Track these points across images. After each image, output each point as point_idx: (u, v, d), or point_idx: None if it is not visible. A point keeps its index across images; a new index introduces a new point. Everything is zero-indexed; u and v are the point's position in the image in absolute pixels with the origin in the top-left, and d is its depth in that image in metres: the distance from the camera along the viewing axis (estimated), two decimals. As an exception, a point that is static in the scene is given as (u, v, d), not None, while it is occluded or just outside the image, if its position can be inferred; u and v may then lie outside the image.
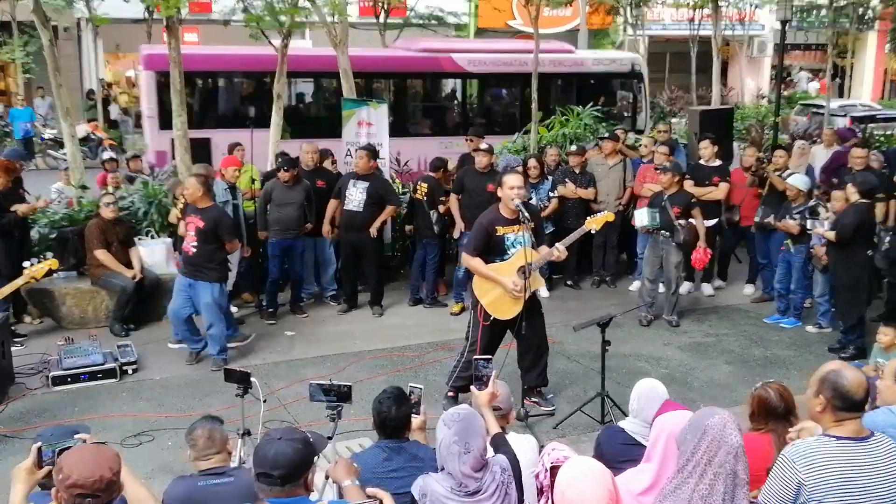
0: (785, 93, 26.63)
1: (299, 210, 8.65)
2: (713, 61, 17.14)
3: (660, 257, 8.72)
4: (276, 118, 11.03)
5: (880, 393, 3.89)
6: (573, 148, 10.28)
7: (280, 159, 9.12)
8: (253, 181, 9.17)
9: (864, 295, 7.98)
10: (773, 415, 3.96)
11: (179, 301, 7.51)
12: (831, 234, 7.71)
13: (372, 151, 9.06)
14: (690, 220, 8.61)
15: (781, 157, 9.49)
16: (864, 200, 7.67)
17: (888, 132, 15.71)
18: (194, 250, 7.36)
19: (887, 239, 8.51)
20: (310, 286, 9.40)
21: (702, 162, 9.66)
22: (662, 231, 8.60)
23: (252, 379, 4.92)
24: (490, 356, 3.88)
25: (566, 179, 9.82)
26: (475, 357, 3.88)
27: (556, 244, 6.31)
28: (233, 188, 8.49)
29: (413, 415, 3.92)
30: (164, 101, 12.96)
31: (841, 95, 31.04)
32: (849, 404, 3.16)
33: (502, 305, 6.27)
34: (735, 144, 11.84)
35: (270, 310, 8.90)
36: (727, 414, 2.98)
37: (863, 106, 23.58)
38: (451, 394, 6.69)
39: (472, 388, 3.87)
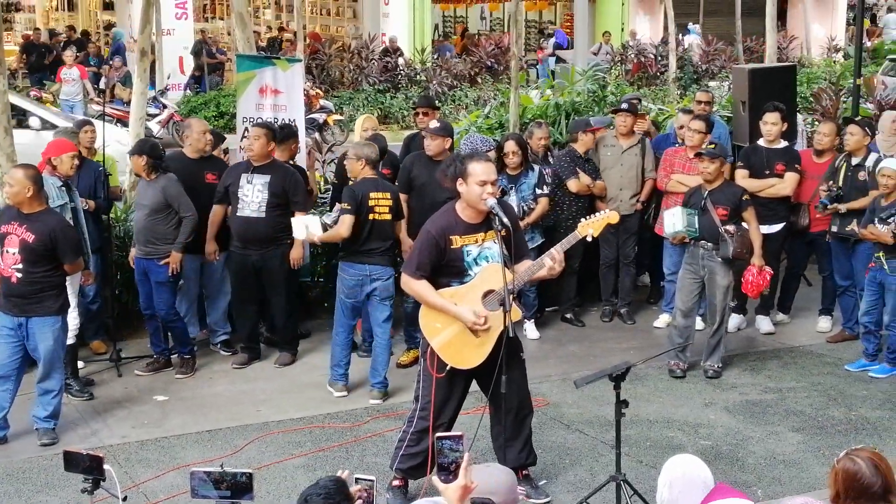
0: (868, 43, 27.21)
1: (153, 217, 8.62)
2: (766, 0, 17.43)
3: (700, 280, 8.81)
4: None
5: None
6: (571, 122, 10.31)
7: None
8: (107, 176, 9.08)
9: None
10: (866, 496, 3.98)
11: (7, 353, 7.43)
12: None
13: (272, 130, 9.07)
14: (742, 224, 8.72)
15: (855, 136, 9.47)
16: None
17: None
18: (19, 276, 7.32)
19: None
20: (191, 329, 9.34)
21: (762, 143, 9.79)
22: (703, 242, 8.69)
23: (106, 466, 4.84)
24: (460, 434, 3.85)
25: (577, 168, 9.91)
26: (438, 436, 3.84)
27: (551, 249, 6.30)
28: (68, 186, 8.41)
29: None
30: None
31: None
32: None
33: (463, 348, 6.27)
34: (799, 118, 12.03)
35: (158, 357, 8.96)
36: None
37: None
38: (397, 482, 6.66)
39: (434, 479, 3.84)
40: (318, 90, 21.12)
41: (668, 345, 8.88)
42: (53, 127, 15.02)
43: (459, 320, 6.22)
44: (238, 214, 8.85)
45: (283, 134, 9.52)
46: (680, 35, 28.29)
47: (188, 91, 23.10)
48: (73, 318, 8.20)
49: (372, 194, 8.29)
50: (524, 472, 6.71)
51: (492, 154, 8.83)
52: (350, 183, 8.62)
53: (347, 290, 8.31)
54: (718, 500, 3.46)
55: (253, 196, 8.79)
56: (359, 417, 8.04)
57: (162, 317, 8.79)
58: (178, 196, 8.60)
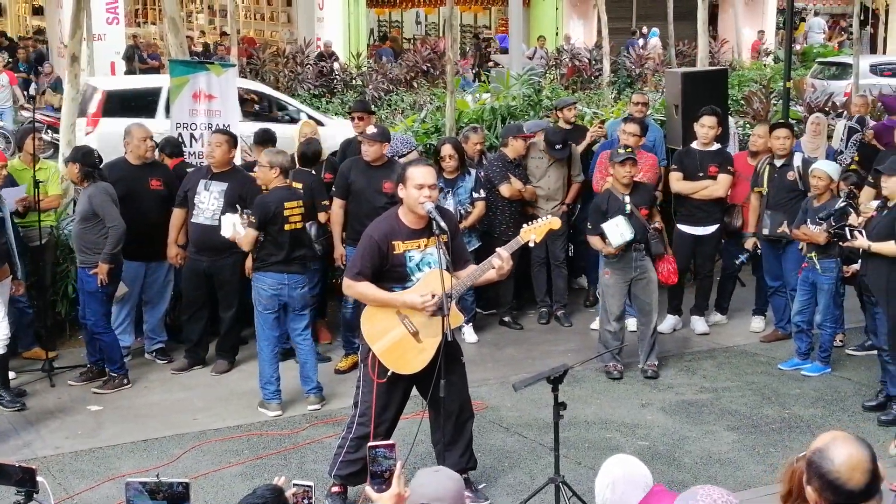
0: (797, 47, 27.64)
1: (82, 225, 8.54)
2: (698, 3, 17.62)
3: (628, 283, 8.90)
4: None
5: None
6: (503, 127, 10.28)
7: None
8: (37, 184, 8.94)
9: None
10: None
11: None
12: (891, 248, 7.83)
13: (234, 137, 9.10)
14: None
15: (788, 139, 9.61)
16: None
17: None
18: None
19: None
20: (127, 337, 9.24)
21: (695, 146, 9.90)
22: (635, 244, 8.77)
23: (39, 478, 4.77)
24: (391, 443, 3.84)
25: (508, 173, 9.92)
26: (371, 445, 3.82)
27: (498, 250, 6.30)
28: None
29: None
30: None
31: (873, 51, 32.38)
32: (843, 496, 3.16)
33: (404, 354, 6.27)
34: (731, 121, 12.19)
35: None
36: (718, 493, 3.00)
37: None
38: (336, 489, 6.66)
39: (367, 488, 3.82)
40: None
41: (604, 349, 8.93)
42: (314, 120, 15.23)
43: (409, 308, 6.19)
44: (193, 221, 8.86)
45: (261, 138, 9.68)
46: (642, 39, 28.54)
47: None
48: (2, 328, 8.07)
49: (286, 204, 8.20)
50: (464, 476, 6.71)
51: (413, 154, 8.87)
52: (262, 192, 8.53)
53: (265, 300, 8.17)
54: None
55: (208, 203, 8.77)
56: (297, 424, 8.00)
57: (90, 327, 8.64)
58: (103, 205, 8.41)
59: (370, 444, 3.86)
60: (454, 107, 11.77)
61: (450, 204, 9.19)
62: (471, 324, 9.84)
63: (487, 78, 19.20)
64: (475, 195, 9.57)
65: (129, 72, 23.75)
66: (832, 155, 10.73)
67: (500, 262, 6.20)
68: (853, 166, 11.03)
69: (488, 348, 9.75)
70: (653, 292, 8.95)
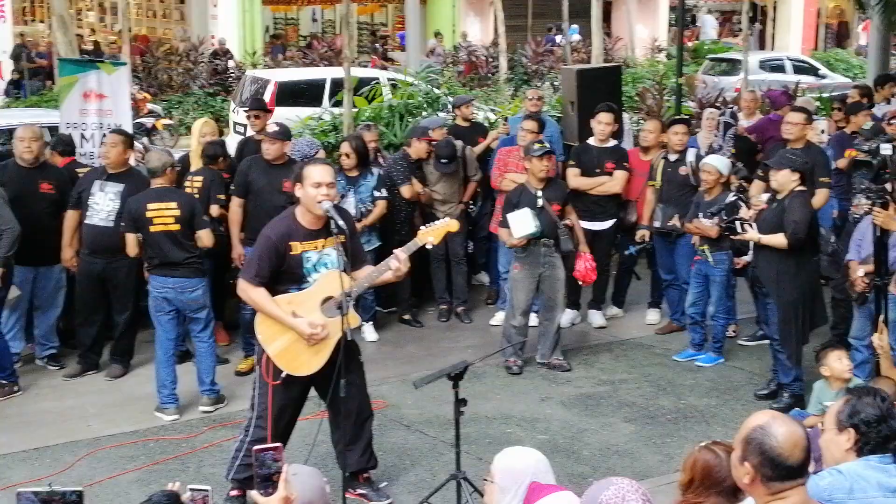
0: (689, 44, 28.16)
1: None
2: (592, 1, 17.87)
3: (536, 278, 8.96)
4: None
5: (824, 449, 4.09)
6: (422, 122, 10.27)
7: None
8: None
9: (811, 316, 8.33)
10: (718, 489, 4.07)
11: None
12: (780, 240, 8.02)
13: (130, 137, 8.95)
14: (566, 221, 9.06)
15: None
16: (803, 188, 8.12)
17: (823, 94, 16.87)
18: None
19: (832, 238, 9.06)
20: (17, 343, 9.04)
21: (592, 142, 10.02)
22: (544, 239, 8.84)
23: (-75, 490, 4.65)
24: (277, 445, 3.81)
25: (410, 175, 9.92)
26: (256, 448, 3.78)
27: (396, 251, 6.30)
28: None
29: None
30: None
31: (762, 47, 33.18)
32: (783, 471, 3.32)
33: (299, 355, 6.23)
34: (626, 117, 12.37)
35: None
36: (627, 483, 3.04)
37: (792, 60, 25.32)
38: (235, 492, 6.59)
39: (252, 493, 3.79)
40: (146, 94, 20.66)
41: (507, 343, 8.99)
42: None
43: (296, 330, 6.16)
44: (87, 222, 8.69)
45: None
46: (561, 36, 28.79)
47: (6, 96, 22.28)
48: None
49: (149, 206, 8.03)
50: (365, 475, 6.72)
51: (320, 155, 8.86)
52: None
53: (153, 301, 8.09)
54: (545, 497, 3.53)
55: (104, 204, 8.62)
56: (195, 428, 7.91)
57: None
58: None
59: (256, 447, 3.81)
60: (352, 104, 11.75)
61: (350, 202, 9.16)
62: (371, 322, 9.83)
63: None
64: (377, 194, 9.53)
65: (17, 71, 23.19)
66: (715, 149, 10.95)
67: (397, 263, 6.21)
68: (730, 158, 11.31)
69: (388, 346, 9.75)
70: (559, 290, 9.03)
